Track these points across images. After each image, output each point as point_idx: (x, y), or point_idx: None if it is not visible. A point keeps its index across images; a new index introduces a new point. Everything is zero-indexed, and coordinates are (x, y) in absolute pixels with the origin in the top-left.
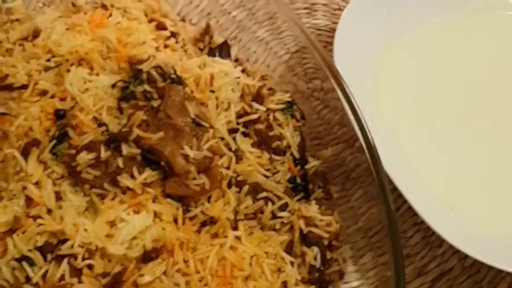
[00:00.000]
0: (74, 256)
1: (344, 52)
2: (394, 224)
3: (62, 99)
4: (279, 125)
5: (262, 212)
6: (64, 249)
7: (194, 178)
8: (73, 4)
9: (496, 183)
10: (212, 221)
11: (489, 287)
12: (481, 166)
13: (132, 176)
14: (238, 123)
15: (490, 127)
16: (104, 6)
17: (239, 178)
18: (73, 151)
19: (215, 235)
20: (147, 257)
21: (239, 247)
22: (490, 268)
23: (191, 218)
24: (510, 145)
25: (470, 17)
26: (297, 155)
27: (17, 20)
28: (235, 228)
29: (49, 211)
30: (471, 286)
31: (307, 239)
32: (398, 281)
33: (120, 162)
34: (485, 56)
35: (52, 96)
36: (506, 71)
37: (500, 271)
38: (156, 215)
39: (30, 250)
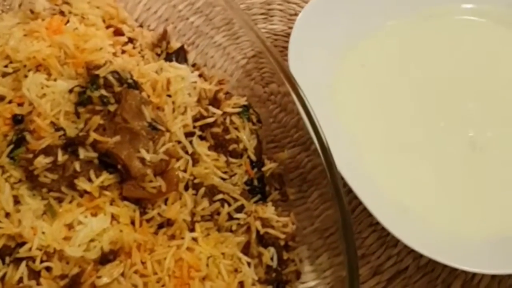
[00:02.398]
0: (32, 259)
1: (299, 56)
2: (348, 225)
3: (20, 105)
4: (236, 128)
5: (218, 214)
6: (22, 252)
7: (151, 181)
8: (31, 11)
9: (449, 184)
10: (169, 223)
11: (443, 285)
12: (435, 168)
13: (89, 180)
14: (194, 127)
15: (445, 129)
16: (62, 13)
17: (196, 181)
18: (31, 156)
19: (172, 237)
20: (104, 259)
21: (196, 248)
22: (445, 267)
23: (148, 220)
24: (464, 146)
25: (425, 21)
26: (254, 157)
27: None
28: (192, 229)
29: (7, 215)
30: (426, 285)
31: (263, 240)
32: (352, 280)
33: (77, 165)
34: (441, 58)
35: (10, 102)
36: (461, 73)
37: (454, 270)
38: (113, 217)
39: None
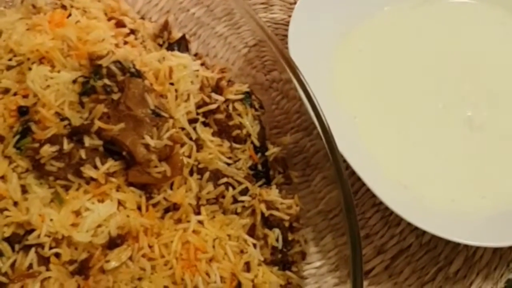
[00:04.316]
0: (41, 246)
1: (299, 43)
2: (351, 206)
3: (25, 96)
4: (239, 114)
5: (223, 197)
6: (31, 239)
7: (156, 166)
8: (33, 6)
9: (450, 163)
10: (175, 207)
11: (446, 261)
12: (435, 147)
13: (95, 167)
14: (198, 114)
15: (443, 109)
16: (63, 7)
17: (200, 166)
18: (37, 145)
19: (178, 220)
20: (112, 243)
21: (202, 230)
22: (447, 243)
23: (154, 205)
24: (462, 126)
25: (420, 5)
26: (257, 143)
27: None
28: (197, 213)
29: (15, 204)
30: (429, 262)
31: (268, 222)
32: (355, 259)
33: (82, 153)
34: (437, 41)
35: (15, 94)
36: (457, 55)
37: (456, 246)
38: (120, 203)
39: None
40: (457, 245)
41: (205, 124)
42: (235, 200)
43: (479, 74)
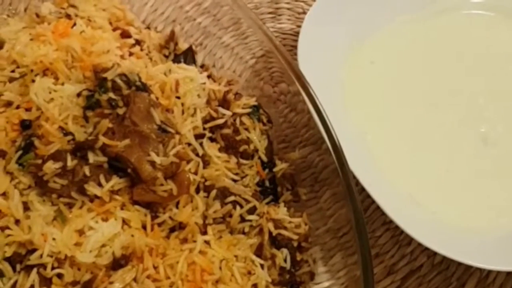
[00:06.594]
0: (43, 266)
1: (308, 54)
2: (361, 224)
3: (28, 110)
4: (246, 129)
5: (230, 216)
6: (33, 259)
7: (162, 184)
8: (37, 15)
9: (463, 180)
10: (180, 226)
11: (458, 283)
12: (448, 164)
13: (100, 184)
14: (204, 129)
15: (456, 125)
16: (68, 16)
17: (207, 183)
18: (40, 161)
19: (184, 240)
20: (116, 264)
21: (209, 251)
22: (459, 264)
23: (159, 224)
24: (476, 142)
25: (434, 16)
26: (265, 158)
27: None
28: (204, 232)
29: (17, 222)
30: (440, 283)
31: (276, 242)
32: (366, 280)
33: (86, 170)
34: (450, 53)
35: (17, 107)
36: (471, 69)
37: (468, 267)
38: (124, 222)
39: None
40: (470, 266)
41: (211, 139)
42: (243, 219)
43: (494, 88)
